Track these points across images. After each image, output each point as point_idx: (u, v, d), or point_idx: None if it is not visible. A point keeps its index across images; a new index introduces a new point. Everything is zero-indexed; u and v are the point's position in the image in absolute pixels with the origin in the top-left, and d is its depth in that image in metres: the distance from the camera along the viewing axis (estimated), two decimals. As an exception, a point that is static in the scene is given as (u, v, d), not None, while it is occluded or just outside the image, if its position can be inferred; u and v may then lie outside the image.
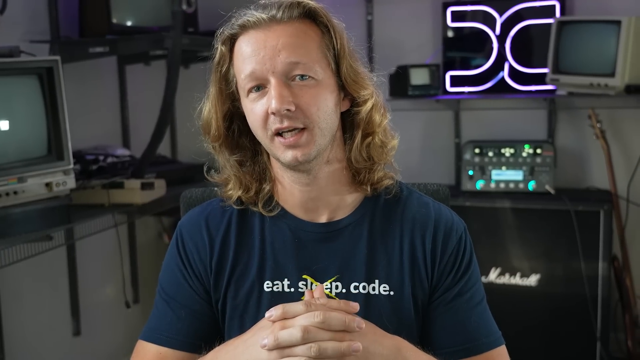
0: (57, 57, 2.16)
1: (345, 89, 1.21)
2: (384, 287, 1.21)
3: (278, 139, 1.15)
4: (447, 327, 1.22)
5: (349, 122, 1.24)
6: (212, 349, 1.18)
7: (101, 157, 2.66)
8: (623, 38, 2.94)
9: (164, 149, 3.29)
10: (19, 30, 2.57)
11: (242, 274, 1.23)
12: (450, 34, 3.50)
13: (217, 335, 1.23)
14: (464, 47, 3.52)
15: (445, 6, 3.46)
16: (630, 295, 3.16)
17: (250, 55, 1.15)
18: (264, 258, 1.23)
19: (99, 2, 2.67)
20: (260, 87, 1.15)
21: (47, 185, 2.14)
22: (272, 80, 1.13)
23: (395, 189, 1.28)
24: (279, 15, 1.15)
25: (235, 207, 1.27)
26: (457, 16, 3.47)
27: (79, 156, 2.58)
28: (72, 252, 2.83)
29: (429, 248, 1.23)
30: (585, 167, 3.42)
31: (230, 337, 1.19)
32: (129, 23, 2.78)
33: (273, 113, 1.13)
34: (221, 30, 1.20)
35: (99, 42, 2.65)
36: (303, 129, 1.14)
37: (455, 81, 3.49)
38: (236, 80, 1.20)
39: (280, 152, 1.16)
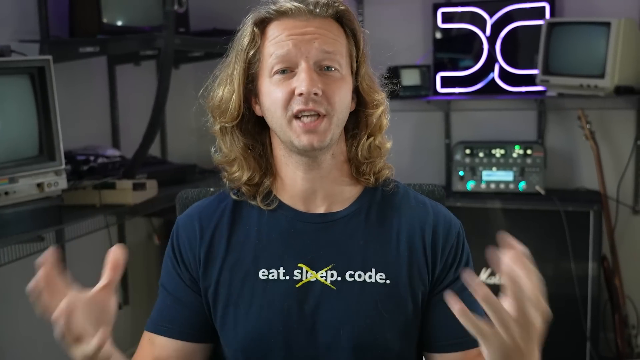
0: (49, 57, 2.14)
1: (357, 92, 1.27)
2: (380, 275, 1.23)
3: (296, 122, 1.18)
4: (449, 320, 1.23)
5: (354, 121, 1.29)
6: (202, 337, 1.26)
7: (92, 158, 2.65)
8: (612, 39, 2.97)
9: (153, 149, 3.27)
10: (8, 29, 2.55)
11: (237, 262, 1.25)
12: (440, 35, 3.51)
13: (203, 323, 1.27)
14: (454, 48, 3.54)
15: (436, 7, 3.47)
16: (620, 295, 3.18)
17: (285, 39, 1.20)
18: (260, 247, 1.25)
19: (89, 2, 2.65)
20: (286, 70, 1.19)
21: (39, 185, 2.12)
22: (304, 64, 1.18)
23: (393, 185, 1.32)
24: (317, 10, 1.21)
25: (233, 197, 1.30)
26: (447, 17, 3.48)
27: (69, 156, 2.56)
28: (61, 253, 2.80)
29: (429, 240, 1.26)
30: (574, 168, 3.44)
31: (224, 324, 1.24)
32: (119, 23, 2.77)
33: (301, 94, 1.16)
34: (256, 12, 1.24)
35: (89, 42, 2.63)
36: (324, 116, 1.18)
37: (446, 82, 3.50)
38: (260, 62, 1.23)
39: (296, 136, 1.18)
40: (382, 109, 1.28)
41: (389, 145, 1.32)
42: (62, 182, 2.19)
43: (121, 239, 3.22)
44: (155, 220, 3.50)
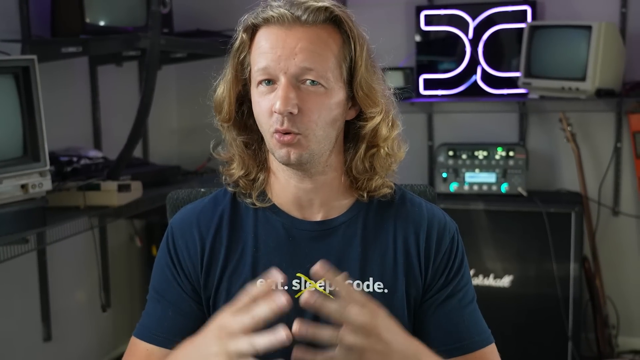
0: (34, 57, 2.11)
1: (355, 99, 1.21)
2: (378, 284, 1.22)
3: (275, 136, 1.16)
4: (440, 327, 1.23)
5: (354, 131, 1.24)
6: None
7: (75, 159, 2.62)
8: (594, 43, 3.00)
9: (135, 150, 3.25)
10: (-12, 29, 2.52)
11: (235, 271, 1.22)
12: (423, 37, 3.53)
13: None
14: (437, 50, 3.55)
15: (418, 10, 3.48)
16: (600, 296, 3.22)
17: (267, 50, 1.15)
18: (258, 256, 1.23)
19: (72, 2, 2.62)
20: (270, 81, 1.16)
21: (23, 186, 2.09)
22: (282, 80, 1.14)
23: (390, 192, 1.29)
24: (304, 17, 1.14)
25: (230, 189, 1.28)
26: (430, 20, 3.49)
27: (52, 157, 2.52)
28: (42, 255, 2.77)
29: (423, 246, 1.24)
30: (556, 170, 3.47)
31: None
32: (102, 23, 2.74)
33: (276, 112, 1.14)
34: (245, 17, 1.20)
35: (72, 42, 2.60)
36: (299, 134, 1.15)
37: (429, 84, 3.51)
38: (250, 69, 1.20)
39: (276, 149, 1.17)
40: (380, 119, 1.20)
41: (402, 153, 1.27)
42: (47, 184, 2.16)
43: (103, 241, 3.19)
44: (137, 222, 3.47)
